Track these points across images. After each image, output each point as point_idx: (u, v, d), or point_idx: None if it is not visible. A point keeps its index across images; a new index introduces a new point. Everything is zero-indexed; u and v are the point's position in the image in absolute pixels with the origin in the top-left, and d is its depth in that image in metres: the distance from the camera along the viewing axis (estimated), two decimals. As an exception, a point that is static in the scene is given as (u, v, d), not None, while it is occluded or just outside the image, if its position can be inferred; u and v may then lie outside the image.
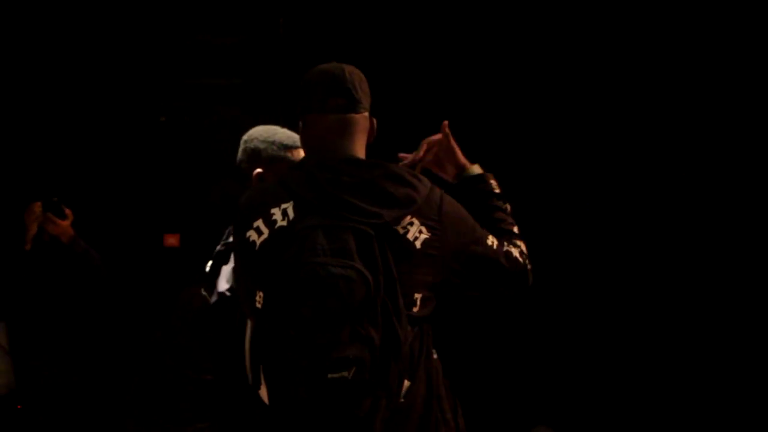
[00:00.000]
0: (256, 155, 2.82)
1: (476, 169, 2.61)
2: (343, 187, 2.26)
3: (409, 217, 2.28)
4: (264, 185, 2.48)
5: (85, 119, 4.97)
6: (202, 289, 2.75)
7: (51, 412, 4.09)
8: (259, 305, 2.24)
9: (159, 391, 3.09)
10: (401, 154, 2.63)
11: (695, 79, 4.64)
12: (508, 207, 2.59)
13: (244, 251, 2.30)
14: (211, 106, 5.08)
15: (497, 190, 2.58)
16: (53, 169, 4.85)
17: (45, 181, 4.70)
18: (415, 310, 2.26)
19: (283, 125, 2.89)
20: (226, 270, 2.66)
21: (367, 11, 4.95)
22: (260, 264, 2.25)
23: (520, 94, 4.92)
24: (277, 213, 2.27)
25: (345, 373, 2.10)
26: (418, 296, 2.27)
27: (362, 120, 2.39)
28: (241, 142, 2.88)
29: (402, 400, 2.24)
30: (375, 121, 2.43)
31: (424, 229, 2.29)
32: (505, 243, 2.44)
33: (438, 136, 2.62)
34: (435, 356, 2.38)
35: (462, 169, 2.61)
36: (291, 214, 2.26)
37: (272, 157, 2.81)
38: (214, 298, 2.66)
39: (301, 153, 2.52)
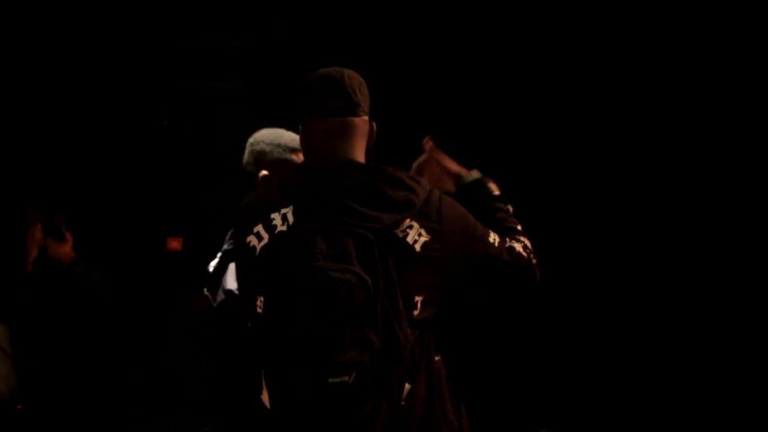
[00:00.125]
0: (261, 158, 2.84)
1: (474, 174, 2.62)
2: (342, 191, 2.26)
3: (408, 220, 2.28)
4: (264, 190, 2.49)
5: (89, 123, 4.98)
6: (205, 290, 2.75)
7: (52, 413, 4.09)
8: (259, 310, 2.25)
9: (160, 394, 3.09)
10: None
11: (695, 79, 4.64)
12: (510, 208, 2.59)
13: (244, 256, 2.31)
14: (214, 110, 5.08)
15: (497, 193, 2.58)
16: (57, 173, 4.86)
17: (48, 185, 4.71)
18: (415, 313, 2.26)
19: (286, 129, 2.90)
20: (234, 268, 2.66)
21: (368, 16, 4.95)
22: (261, 269, 2.26)
23: (520, 97, 4.91)
24: (277, 218, 2.28)
25: (345, 378, 2.10)
26: (418, 299, 2.27)
27: (362, 123, 2.40)
28: (247, 144, 2.89)
29: (403, 403, 2.25)
30: (375, 125, 2.44)
31: (423, 231, 2.29)
32: (508, 239, 2.44)
33: (424, 156, 2.64)
34: (437, 358, 2.37)
35: (459, 177, 2.62)
36: (291, 218, 2.27)
37: (278, 160, 2.82)
38: (221, 296, 2.66)
39: (306, 156, 2.53)
